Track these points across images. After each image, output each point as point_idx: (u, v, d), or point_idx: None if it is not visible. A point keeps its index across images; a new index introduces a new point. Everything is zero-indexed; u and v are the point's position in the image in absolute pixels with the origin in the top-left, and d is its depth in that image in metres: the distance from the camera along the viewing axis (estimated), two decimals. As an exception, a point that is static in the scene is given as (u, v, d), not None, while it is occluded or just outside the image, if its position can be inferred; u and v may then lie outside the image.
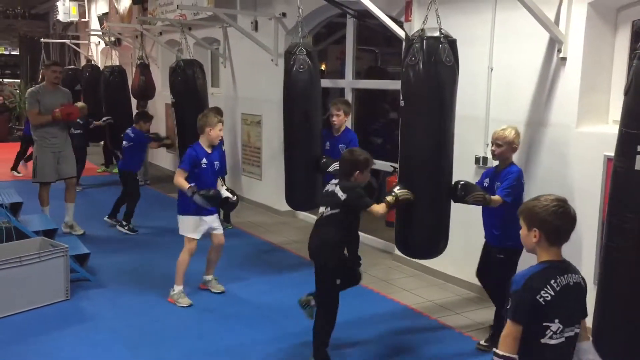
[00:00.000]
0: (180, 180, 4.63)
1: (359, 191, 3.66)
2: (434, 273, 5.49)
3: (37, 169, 6.44)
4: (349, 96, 6.98)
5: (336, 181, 3.75)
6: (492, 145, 4.02)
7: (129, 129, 7.21)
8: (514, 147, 4.03)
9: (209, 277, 5.09)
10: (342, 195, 3.62)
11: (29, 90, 6.58)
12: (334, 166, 5.10)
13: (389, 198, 3.72)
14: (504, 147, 3.98)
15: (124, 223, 6.87)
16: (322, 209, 3.75)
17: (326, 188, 3.82)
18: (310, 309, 3.90)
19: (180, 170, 4.69)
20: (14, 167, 10.56)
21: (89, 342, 4.11)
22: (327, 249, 3.69)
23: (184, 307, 4.71)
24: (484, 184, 4.09)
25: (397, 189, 3.75)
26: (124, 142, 7.10)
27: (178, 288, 4.80)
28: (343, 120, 5.41)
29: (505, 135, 3.97)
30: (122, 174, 7.17)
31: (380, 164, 6.21)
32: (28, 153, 10.18)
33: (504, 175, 3.99)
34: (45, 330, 4.27)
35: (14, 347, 4.01)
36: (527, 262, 2.48)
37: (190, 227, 4.76)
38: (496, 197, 3.87)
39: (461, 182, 3.86)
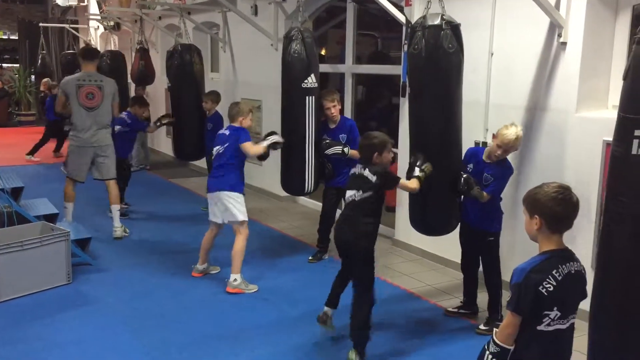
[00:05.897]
0: (253, 147, 4.77)
1: (388, 171, 3.75)
2: (433, 257, 5.53)
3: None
4: (349, 81, 6.97)
5: (362, 165, 3.75)
6: (499, 149, 3.94)
7: (124, 113, 6.82)
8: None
9: (205, 265, 5.12)
10: (372, 177, 3.64)
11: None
12: (333, 149, 5.12)
13: (419, 174, 3.79)
14: (509, 152, 4.02)
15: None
16: (350, 192, 3.72)
17: (352, 171, 3.82)
18: (330, 321, 3.92)
19: (249, 142, 4.76)
20: (31, 152, 10.64)
21: (92, 325, 4.15)
22: (364, 237, 3.66)
23: (253, 292, 4.74)
24: (468, 168, 4.08)
25: (423, 165, 3.81)
26: (117, 127, 6.61)
27: (240, 277, 4.75)
28: (339, 109, 5.39)
29: (513, 145, 3.94)
30: None
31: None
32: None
33: (499, 170, 4.01)
34: (48, 313, 4.31)
35: (16, 330, 4.04)
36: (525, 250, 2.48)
37: (244, 208, 4.79)
38: (487, 195, 3.94)
39: (463, 176, 3.89)
